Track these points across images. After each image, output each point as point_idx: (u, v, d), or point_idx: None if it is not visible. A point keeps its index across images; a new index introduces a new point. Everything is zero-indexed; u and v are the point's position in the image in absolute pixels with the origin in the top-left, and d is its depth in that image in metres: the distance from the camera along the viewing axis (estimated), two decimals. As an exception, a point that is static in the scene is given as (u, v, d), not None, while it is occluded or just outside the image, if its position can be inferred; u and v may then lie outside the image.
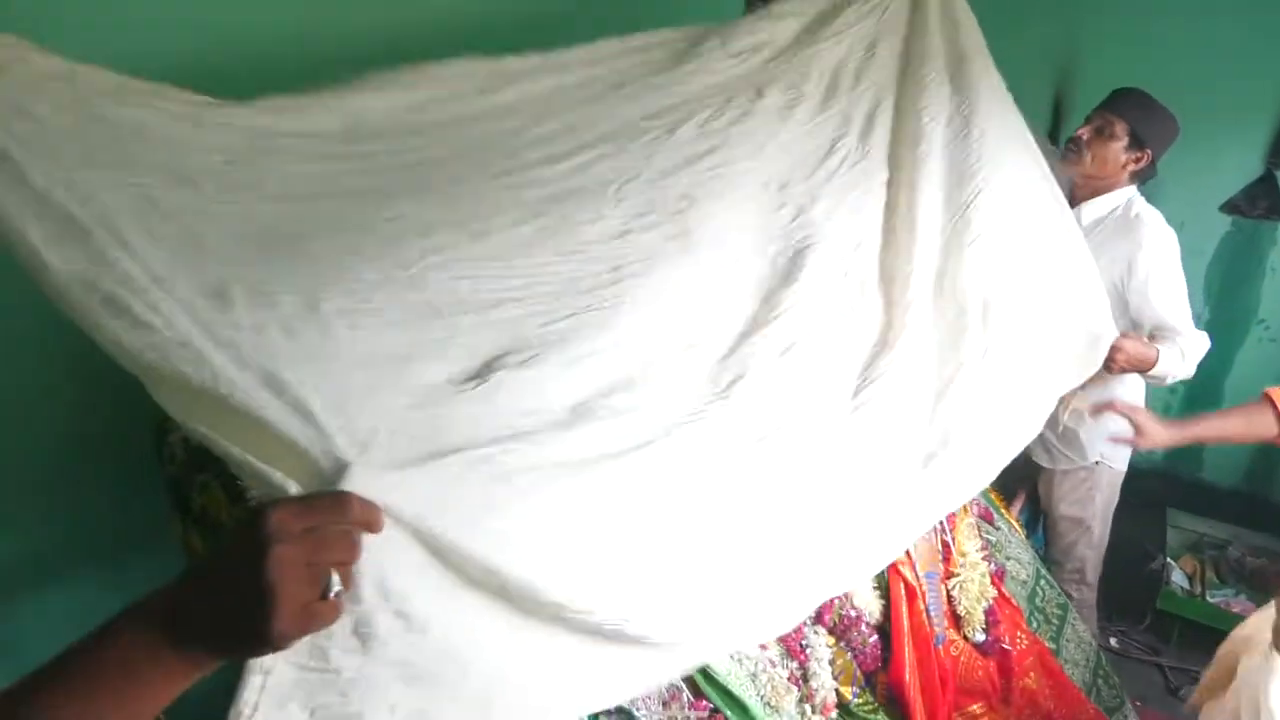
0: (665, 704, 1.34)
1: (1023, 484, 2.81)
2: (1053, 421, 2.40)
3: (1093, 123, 2.33)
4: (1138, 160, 2.32)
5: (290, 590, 0.63)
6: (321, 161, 1.20)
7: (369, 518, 0.72)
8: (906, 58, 1.78)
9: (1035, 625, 1.98)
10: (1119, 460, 2.59)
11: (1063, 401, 2.10)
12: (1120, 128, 2.29)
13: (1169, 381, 2.23)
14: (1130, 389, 2.40)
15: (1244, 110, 3.12)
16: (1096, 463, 2.55)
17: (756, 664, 1.45)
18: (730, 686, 1.39)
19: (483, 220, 1.25)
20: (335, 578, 0.67)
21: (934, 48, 1.76)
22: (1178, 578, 3.11)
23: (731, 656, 1.43)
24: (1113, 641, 3.09)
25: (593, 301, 1.27)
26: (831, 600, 1.56)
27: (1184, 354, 2.19)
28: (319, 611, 0.66)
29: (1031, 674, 1.84)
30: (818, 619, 1.56)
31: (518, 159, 1.35)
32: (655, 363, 1.30)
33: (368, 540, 0.72)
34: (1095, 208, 2.37)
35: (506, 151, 1.36)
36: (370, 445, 0.96)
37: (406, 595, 0.93)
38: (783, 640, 1.52)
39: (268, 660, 0.84)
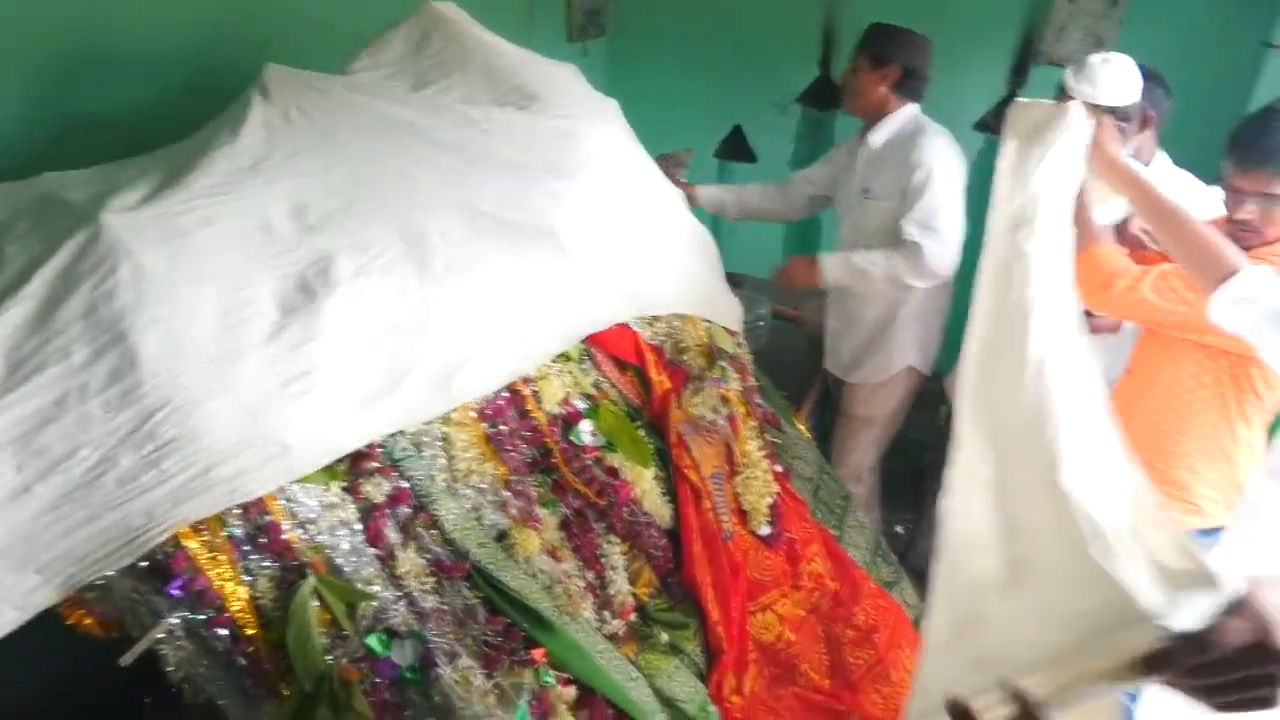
0: (460, 623, 1.36)
1: (811, 387, 2.99)
2: (858, 335, 2.63)
3: (848, 66, 2.58)
4: (885, 76, 2.49)
5: None
6: None
7: None
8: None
9: (820, 516, 2.13)
10: (927, 365, 2.78)
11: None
12: (862, 59, 2.52)
13: (899, 283, 2.47)
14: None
15: (990, 32, 3.39)
16: (903, 369, 2.73)
17: (551, 576, 1.50)
18: (526, 600, 1.42)
19: None
20: None
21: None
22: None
23: (525, 572, 1.47)
24: (898, 529, 3.39)
25: None
26: (620, 510, 1.62)
27: (875, 262, 2.45)
28: None
29: (816, 558, 1.99)
30: (610, 529, 1.62)
31: None
32: None
33: None
34: (879, 133, 2.56)
35: None
36: None
37: None
38: (578, 552, 1.58)
39: None
